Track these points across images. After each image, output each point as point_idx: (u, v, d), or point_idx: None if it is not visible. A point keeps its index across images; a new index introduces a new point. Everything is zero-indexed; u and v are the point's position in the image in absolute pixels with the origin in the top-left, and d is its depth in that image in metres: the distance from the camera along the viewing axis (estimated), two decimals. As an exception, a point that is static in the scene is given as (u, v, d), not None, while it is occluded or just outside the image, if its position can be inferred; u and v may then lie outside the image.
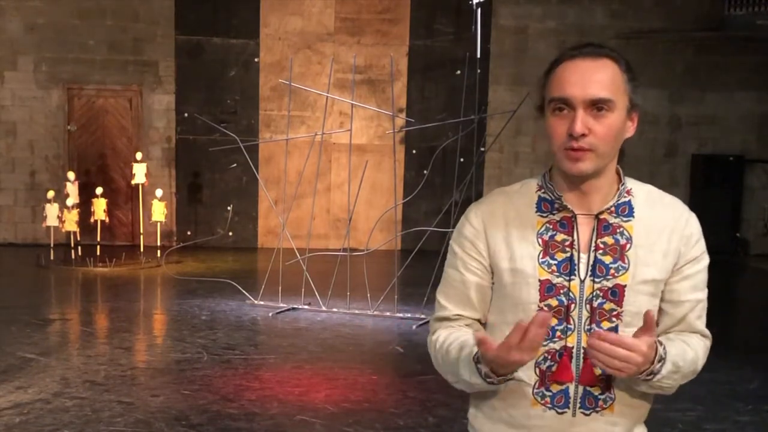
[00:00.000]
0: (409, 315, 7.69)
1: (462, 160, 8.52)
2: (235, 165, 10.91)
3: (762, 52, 11.98)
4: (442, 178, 11.13)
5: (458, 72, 9.33)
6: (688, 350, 1.71)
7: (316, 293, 7.92)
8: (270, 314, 7.72)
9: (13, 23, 11.61)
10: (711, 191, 12.10)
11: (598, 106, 1.63)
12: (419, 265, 7.89)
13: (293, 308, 7.95)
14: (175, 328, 7.23)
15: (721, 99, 12.31)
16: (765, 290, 10.75)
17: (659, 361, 1.62)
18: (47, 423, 4.73)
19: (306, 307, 7.98)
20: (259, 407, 5.09)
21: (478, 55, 8.64)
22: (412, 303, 7.96)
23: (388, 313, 7.73)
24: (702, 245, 1.75)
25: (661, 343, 1.64)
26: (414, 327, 7.29)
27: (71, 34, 11.64)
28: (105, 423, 4.75)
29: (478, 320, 1.84)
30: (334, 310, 7.86)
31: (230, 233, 11.50)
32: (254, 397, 5.30)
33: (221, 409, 5.04)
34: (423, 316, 7.47)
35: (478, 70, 8.55)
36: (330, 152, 11.81)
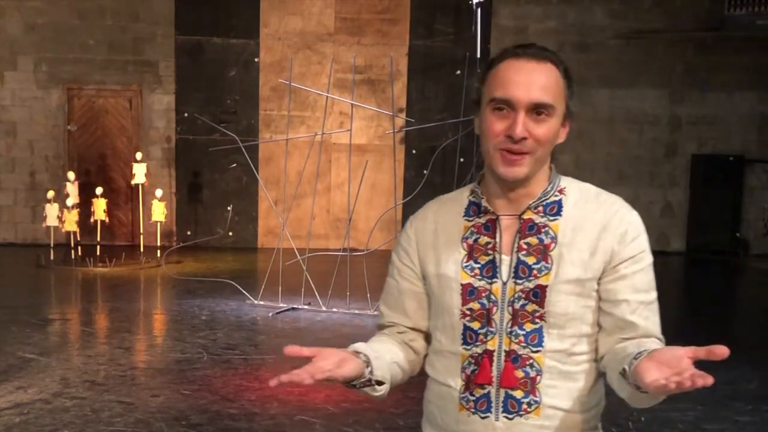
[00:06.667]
0: (409, 315, 7.68)
1: (462, 160, 8.54)
2: (235, 165, 10.91)
3: (762, 52, 11.97)
4: (442, 178, 11.11)
5: (458, 72, 9.34)
6: None
7: (316, 293, 7.92)
8: (270, 314, 7.72)
9: (13, 23, 11.61)
10: (711, 191, 12.06)
11: (538, 110, 1.61)
12: (419, 265, 7.88)
13: (293, 308, 7.95)
14: (175, 328, 7.23)
15: (721, 99, 12.30)
16: (765, 290, 10.74)
17: None
18: (47, 423, 4.73)
19: (306, 307, 7.98)
20: (259, 407, 5.09)
21: (478, 55, 8.65)
22: (412, 303, 7.94)
23: (388, 313, 7.72)
24: (641, 244, 1.67)
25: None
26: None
27: (71, 34, 11.63)
28: (105, 423, 4.75)
29: (413, 329, 1.83)
30: (334, 310, 7.86)
31: (230, 233, 11.49)
32: (254, 397, 5.30)
33: (221, 409, 5.04)
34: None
35: (478, 70, 8.56)
36: (330, 152, 11.81)
